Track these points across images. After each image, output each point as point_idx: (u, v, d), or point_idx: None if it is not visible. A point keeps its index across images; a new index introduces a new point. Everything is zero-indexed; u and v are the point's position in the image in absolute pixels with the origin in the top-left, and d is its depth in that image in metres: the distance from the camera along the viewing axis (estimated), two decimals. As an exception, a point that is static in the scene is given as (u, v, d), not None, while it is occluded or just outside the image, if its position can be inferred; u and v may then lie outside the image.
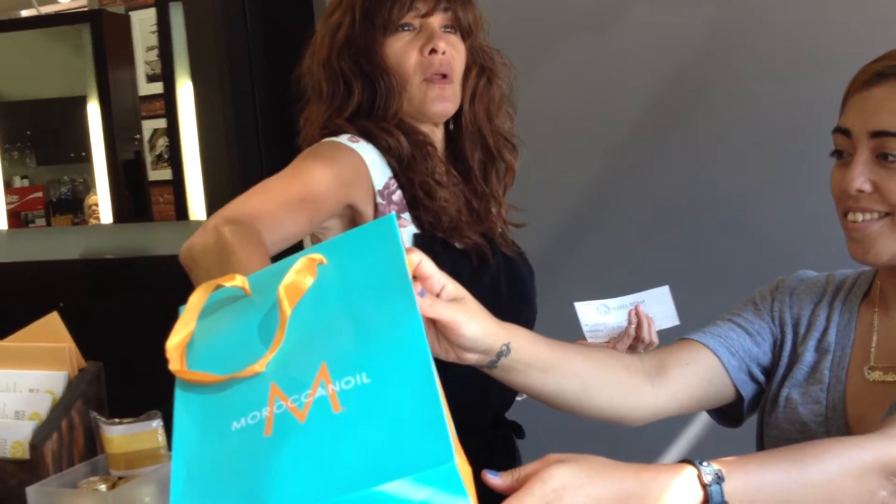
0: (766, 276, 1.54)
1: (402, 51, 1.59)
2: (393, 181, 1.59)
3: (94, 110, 4.52)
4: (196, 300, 0.99)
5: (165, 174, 4.34)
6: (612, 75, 2.55)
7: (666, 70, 2.52)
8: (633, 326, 1.72)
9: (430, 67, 1.58)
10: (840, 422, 1.30)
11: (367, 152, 1.57)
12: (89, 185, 4.70)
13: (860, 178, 1.25)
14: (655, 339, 1.73)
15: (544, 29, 2.56)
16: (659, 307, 1.76)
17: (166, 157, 4.31)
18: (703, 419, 2.52)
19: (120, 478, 1.46)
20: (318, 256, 1.01)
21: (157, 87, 4.27)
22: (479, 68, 1.66)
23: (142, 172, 4.48)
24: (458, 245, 1.61)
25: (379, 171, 1.57)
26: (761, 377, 1.42)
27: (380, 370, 0.90)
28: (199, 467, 0.89)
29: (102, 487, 1.42)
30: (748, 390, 1.41)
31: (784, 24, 2.41)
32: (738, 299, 1.50)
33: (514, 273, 1.72)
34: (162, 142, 4.36)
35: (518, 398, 1.79)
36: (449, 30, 1.61)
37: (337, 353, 0.93)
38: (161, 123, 4.31)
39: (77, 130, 4.61)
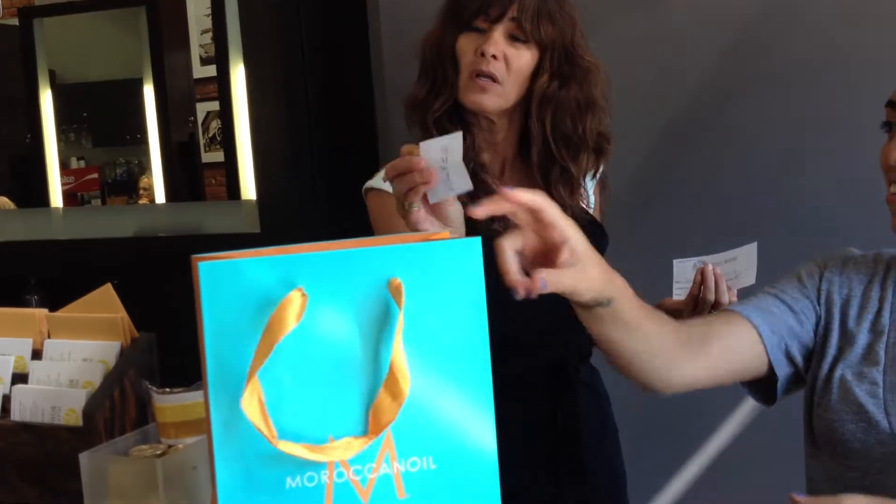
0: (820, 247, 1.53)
1: (465, 48, 1.76)
2: None
3: (149, 93, 4.57)
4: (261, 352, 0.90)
5: (218, 156, 4.37)
6: (671, 43, 2.54)
7: (724, 40, 2.50)
8: (698, 286, 1.73)
9: (476, 66, 1.73)
10: None
11: None
12: (144, 167, 4.75)
13: None
14: (725, 300, 1.74)
15: None
16: (746, 264, 1.76)
17: (219, 139, 4.35)
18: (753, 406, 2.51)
19: (170, 446, 1.49)
20: (397, 283, 0.92)
21: (212, 70, 4.29)
22: (551, 74, 1.76)
23: (196, 154, 4.52)
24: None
25: None
26: (798, 358, 1.40)
27: (446, 455, 0.88)
28: None
29: (152, 455, 1.45)
30: (783, 371, 1.40)
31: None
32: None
33: None
34: (215, 124, 4.40)
35: None
36: (517, 38, 1.74)
37: (404, 421, 0.89)
38: (214, 106, 4.34)
39: (132, 113, 4.66)
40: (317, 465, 0.87)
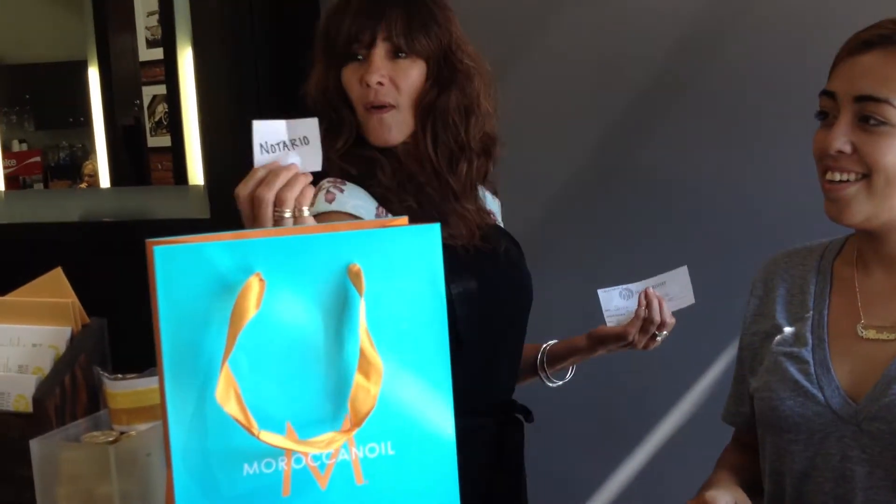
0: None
1: (350, 81, 1.69)
2: (380, 208, 1.66)
3: (93, 75, 4.50)
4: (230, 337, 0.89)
5: (165, 141, 4.32)
6: (613, 43, 2.57)
7: (667, 42, 2.53)
8: (644, 308, 1.78)
9: (366, 99, 1.67)
10: (828, 376, 1.39)
11: (348, 200, 1.65)
12: (88, 151, 4.68)
13: (841, 138, 1.32)
14: (669, 320, 1.80)
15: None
16: (678, 287, 1.81)
17: (166, 123, 4.30)
18: (698, 393, 2.55)
19: (122, 432, 1.48)
20: (356, 269, 0.91)
21: (158, 53, 4.24)
22: (432, 81, 1.70)
23: (141, 139, 4.47)
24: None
25: (364, 208, 1.64)
26: None
27: (404, 441, 0.88)
28: None
29: (104, 441, 1.44)
30: None
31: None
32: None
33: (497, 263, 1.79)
34: (161, 108, 4.35)
35: (553, 382, 1.94)
36: (400, 56, 1.68)
37: None
38: (160, 90, 4.29)
39: (76, 95, 4.59)
40: (275, 452, 0.87)
